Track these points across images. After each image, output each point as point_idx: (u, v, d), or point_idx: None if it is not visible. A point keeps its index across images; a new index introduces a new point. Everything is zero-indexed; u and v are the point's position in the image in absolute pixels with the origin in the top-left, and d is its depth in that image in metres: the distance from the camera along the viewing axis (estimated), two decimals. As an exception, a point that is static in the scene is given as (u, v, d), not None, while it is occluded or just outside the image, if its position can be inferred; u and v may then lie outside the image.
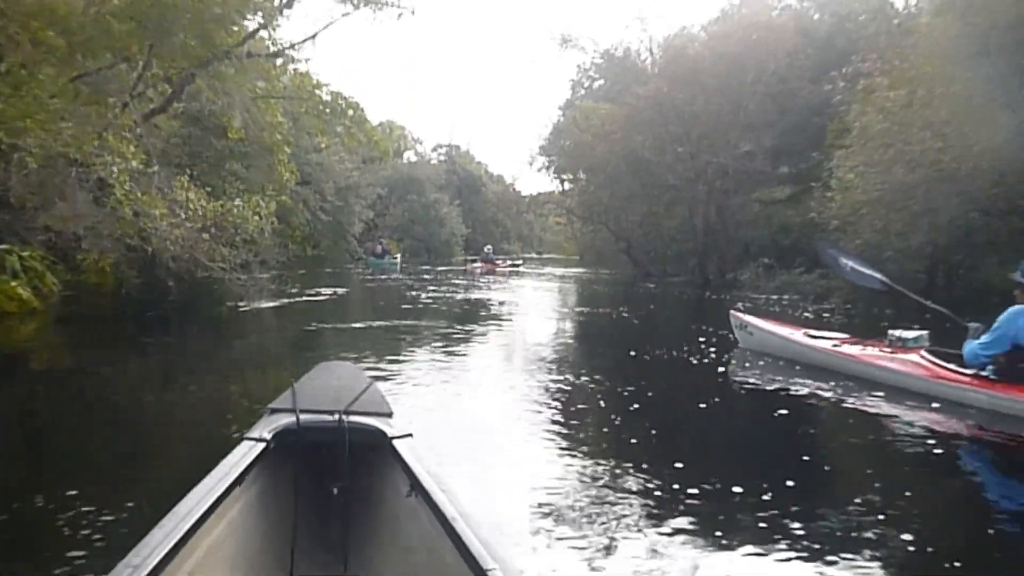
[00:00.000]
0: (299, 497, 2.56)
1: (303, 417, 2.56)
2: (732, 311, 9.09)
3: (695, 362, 8.28)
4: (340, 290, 19.90)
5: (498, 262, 33.14)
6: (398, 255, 39.06)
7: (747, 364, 8.03)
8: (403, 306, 15.16)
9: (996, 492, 4.51)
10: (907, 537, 3.41)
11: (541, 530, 3.39)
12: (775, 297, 18.10)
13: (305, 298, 15.68)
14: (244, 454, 2.33)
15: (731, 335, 9.11)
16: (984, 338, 5.74)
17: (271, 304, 13.21)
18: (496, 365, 8.47)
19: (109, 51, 10.21)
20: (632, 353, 8.99)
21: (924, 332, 6.92)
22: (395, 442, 2.51)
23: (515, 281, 25.85)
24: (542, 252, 76.88)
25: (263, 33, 15.12)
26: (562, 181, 45.60)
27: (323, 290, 18.54)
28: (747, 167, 22.76)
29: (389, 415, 2.74)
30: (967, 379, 5.85)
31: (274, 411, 2.67)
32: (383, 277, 25.77)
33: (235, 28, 12.49)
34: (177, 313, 12.00)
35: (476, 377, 7.55)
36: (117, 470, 4.39)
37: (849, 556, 3.17)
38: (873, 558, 3.18)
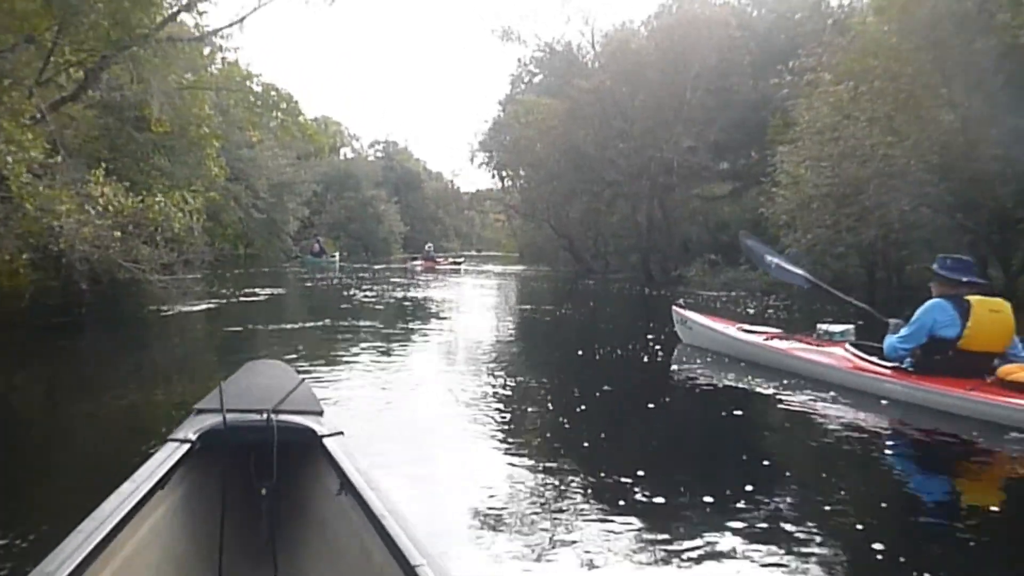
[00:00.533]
0: (227, 498, 2.47)
1: (230, 417, 2.49)
2: (674, 307, 9.19)
3: (638, 359, 8.30)
4: (274, 290, 19.16)
5: (439, 260, 33.30)
6: (336, 253, 38.60)
7: (686, 360, 8.04)
8: (340, 306, 14.71)
9: (912, 484, 4.54)
10: (828, 530, 3.42)
11: (474, 529, 3.37)
12: (721, 294, 17.98)
13: (236, 299, 14.84)
14: (168, 455, 2.26)
15: (674, 331, 9.14)
16: (903, 331, 5.84)
17: (198, 307, 12.41)
18: (435, 364, 8.30)
19: (11, 31, 9.32)
20: (577, 352, 8.95)
21: (850, 327, 7.09)
22: (325, 440, 2.46)
23: (456, 279, 25.66)
24: (481, 249, 76.68)
25: (187, 17, 14.21)
26: (502, 178, 45.28)
27: (256, 290, 17.76)
28: (690, 162, 22.61)
29: (320, 413, 2.68)
30: (886, 371, 5.97)
31: (200, 411, 2.59)
32: (320, 276, 25.08)
33: (153, 9, 11.57)
34: (92, 318, 11.15)
35: (414, 377, 7.39)
36: (25, 484, 4.09)
37: (770, 552, 3.13)
38: (793, 553, 3.13)
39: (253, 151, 36.07)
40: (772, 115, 22.14)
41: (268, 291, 18.12)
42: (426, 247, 36.04)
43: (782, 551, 3.12)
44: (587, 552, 3.09)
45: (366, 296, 17.09)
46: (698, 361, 7.89)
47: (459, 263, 34.62)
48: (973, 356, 5.55)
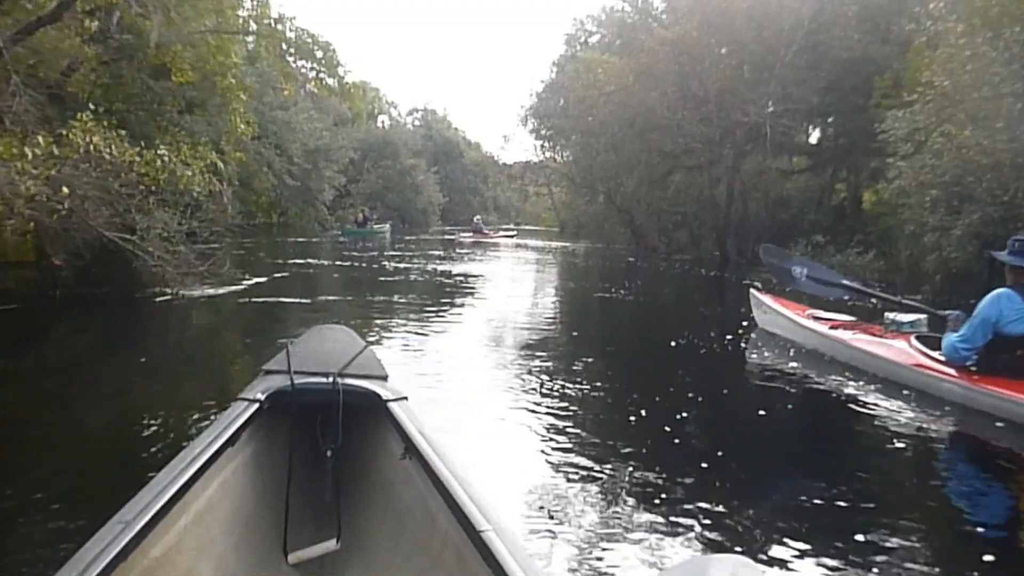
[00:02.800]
0: (293, 458, 2.46)
1: (297, 378, 2.50)
2: (751, 289, 8.88)
3: (709, 345, 8.07)
4: (314, 263, 17.05)
5: (489, 232, 33.94)
6: (387, 224, 37.47)
7: (757, 348, 7.78)
8: (392, 279, 13.95)
9: (953, 499, 3.96)
10: (869, 539, 3.12)
11: (535, 498, 3.37)
12: None
13: (266, 278, 12.35)
14: (238, 414, 2.30)
15: (751, 316, 8.82)
16: (962, 330, 5.22)
17: (212, 292, 9.68)
18: (495, 338, 8.19)
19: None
20: (644, 334, 9.07)
21: (922, 316, 6.46)
22: (390, 405, 2.49)
23: (507, 253, 24.95)
24: (520, 223, 74.62)
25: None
26: (551, 148, 42.98)
27: (292, 266, 15.53)
28: (784, 126, 19.59)
29: (384, 378, 2.70)
30: (947, 369, 5.39)
31: (268, 372, 2.61)
32: (368, 247, 24.05)
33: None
34: (67, 303, 8.47)
35: (475, 348, 7.36)
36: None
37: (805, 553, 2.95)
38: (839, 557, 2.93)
39: (287, 114, 33.79)
40: (880, 76, 19.31)
41: (306, 268, 15.82)
42: (475, 219, 36.93)
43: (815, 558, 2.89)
44: (647, 525, 3.09)
45: (418, 268, 16.51)
46: (767, 350, 7.51)
47: (510, 235, 35.64)
48: None
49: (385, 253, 21.58)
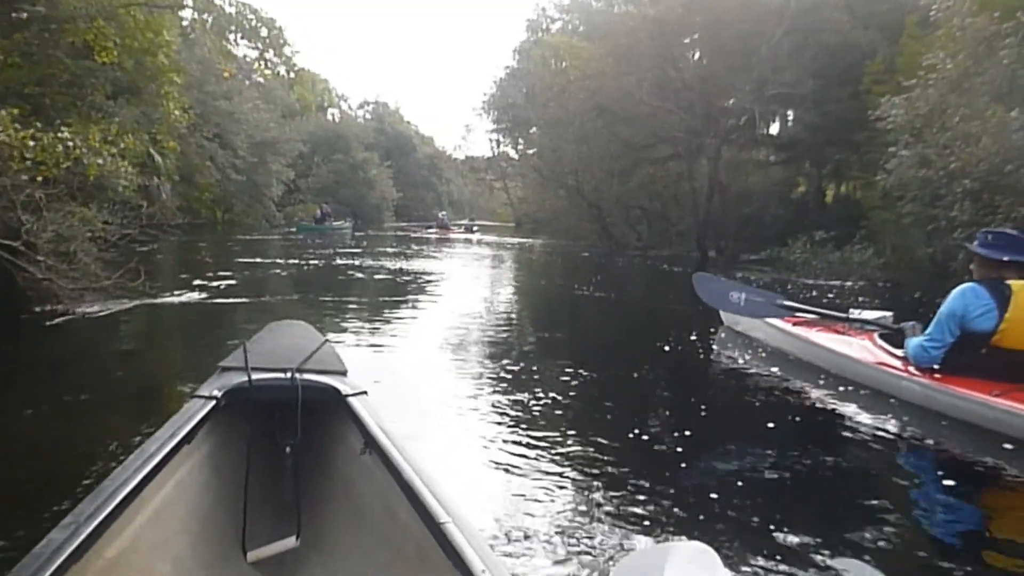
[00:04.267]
0: (251, 456, 2.40)
1: (255, 375, 2.44)
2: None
3: (679, 342, 7.65)
4: (265, 262, 15.17)
5: (452, 227, 34.95)
6: (347, 220, 36.05)
7: (726, 343, 7.41)
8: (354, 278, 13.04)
9: (916, 504, 3.68)
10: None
11: (496, 485, 3.42)
12: (830, 283, 14.11)
13: (208, 282, 10.52)
14: (194, 411, 2.24)
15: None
16: (928, 329, 4.81)
17: (130, 305, 7.64)
18: (461, 335, 7.86)
19: None
20: (609, 331, 9.11)
21: (887, 314, 6.15)
22: (349, 400, 2.44)
23: (473, 250, 24.43)
24: (474, 219, 73.98)
25: None
26: (502, 143, 42.03)
27: (240, 266, 13.70)
28: (774, 115, 18.25)
29: (343, 373, 2.64)
30: (907, 369, 5.00)
31: (224, 369, 2.54)
32: (325, 244, 22.78)
33: None
34: None
35: (438, 344, 7.20)
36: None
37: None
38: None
39: (231, 102, 31.67)
40: (870, 60, 18.15)
41: (257, 269, 13.88)
42: (441, 215, 37.81)
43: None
44: (602, 527, 3.03)
45: (380, 266, 15.97)
46: (732, 348, 7.13)
47: (473, 230, 35.92)
48: (1012, 355, 4.46)
49: (343, 251, 20.64)
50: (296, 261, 16.44)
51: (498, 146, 62.70)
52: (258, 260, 16.29)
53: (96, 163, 7.09)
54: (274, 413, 2.48)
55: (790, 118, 20.03)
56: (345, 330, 7.41)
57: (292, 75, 35.69)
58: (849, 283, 14.27)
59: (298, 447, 2.46)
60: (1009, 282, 4.55)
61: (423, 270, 15.80)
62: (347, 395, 2.47)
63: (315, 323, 3.47)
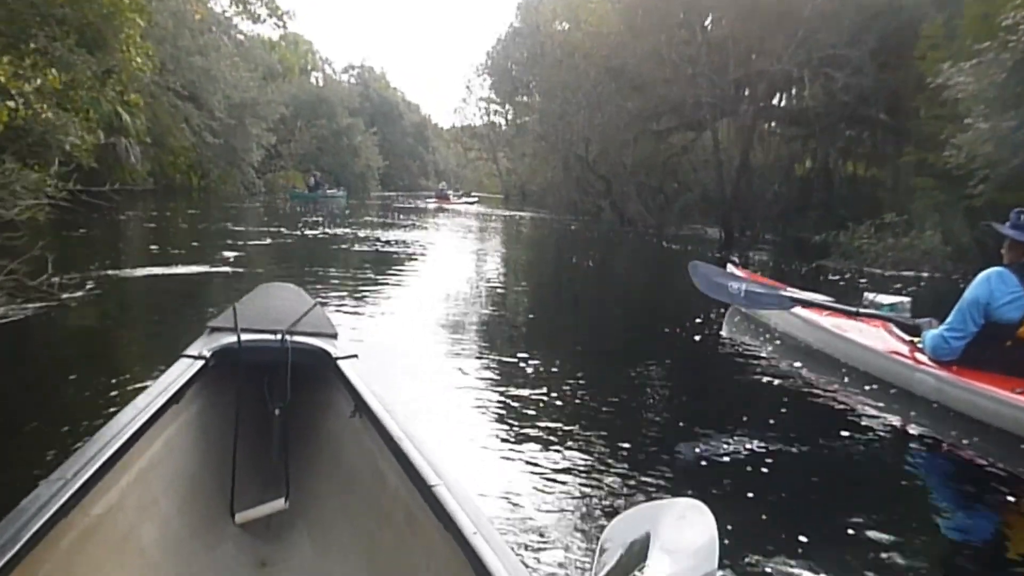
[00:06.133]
0: (240, 417, 2.36)
1: (244, 336, 2.42)
2: (728, 265, 7.91)
3: (689, 324, 7.15)
4: (247, 230, 13.50)
5: (451, 197, 36.59)
6: (342, 189, 36.19)
7: (734, 326, 7.02)
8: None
9: (926, 504, 3.46)
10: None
11: (487, 449, 3.41)
12: (906, 274, 12.47)
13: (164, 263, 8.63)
14: (182, 371, 2.22)
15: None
16: (949, 318, 4.40)
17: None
18: (464, 308, 7.68)
19: None
20: (611, 308, 8.93)
21: (904, 299, 5.73)
22: (339, 362, 2.42)
23: (474, 221, 24.12)
24: (459, 189, 72.77)
25: None
26: (491, 112, 40.95)
27: (214, 237, 12.11)
28: (827, 78, 16.24)
29: (334, 336, 2.61)
30: (921, 359, 4.59)
31: (214, 330, 2.52)
32: (319, 213, 22.24)
33: None
34: None
35: (437, 316, 6.97)
36: None
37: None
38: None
39: (207, 59, 29.32)
40: (924, 21, 16.26)
41: (241, 241, 12.03)
42: (441, 185, 40.09)
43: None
44: (594, 489, 3.04)
45: (375, 237, 15.14)
46: (739, 331, 6.77)
47: (472, 201, 37.12)
48: None
49: (338, 219, 19.96)
50: (288, 231, 15.45)
51: (487, 115, 60.85)
52: (243, 229, 15.26)
53: (7, 107, 5.08)
54: (263, 375, 2.42)
55: (837, 84, 17.89)
56: (338, 296, 7.27)
57: (280, 22, 33.48)
58: (925, 274, 12.61)
59: (287, 409, 2.41)
60: None
61: (422, 240, 15.38)
62: (337, 358, 2.42)
63: (309, 290, 3.20)
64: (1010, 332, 4.16)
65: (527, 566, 2.01)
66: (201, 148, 30.23)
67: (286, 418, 2.42)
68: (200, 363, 2.27)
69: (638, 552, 1.27)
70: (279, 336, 2.43)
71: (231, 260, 9.76)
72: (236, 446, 2.32)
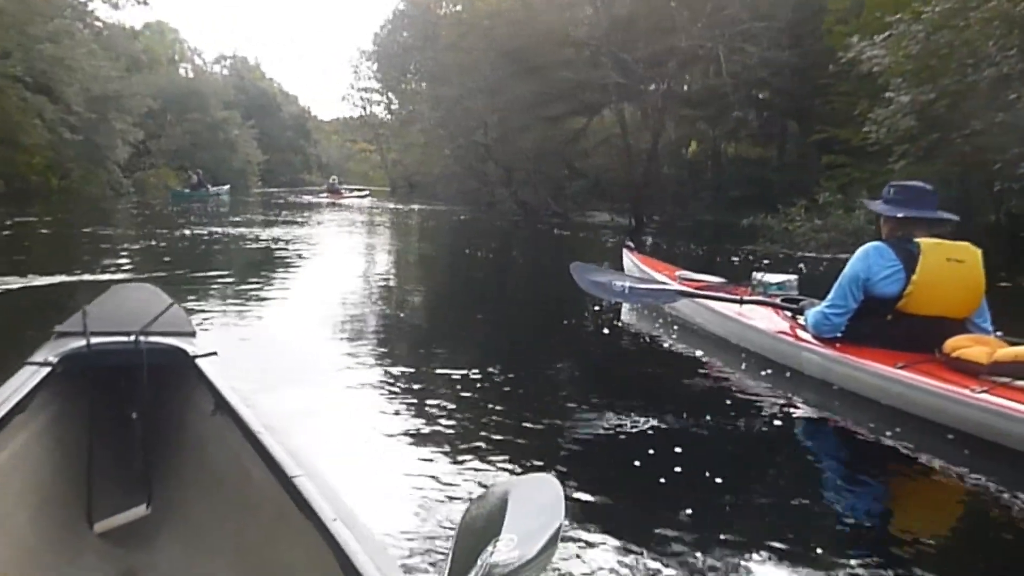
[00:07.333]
0: (94, 424, 2.31)
1: (95, 340, 2.31)
2: (625, 250, 7.77)
3: (584, 313, 7.13)
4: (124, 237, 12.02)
5: (344, 192, 34.70)
6: (226, 186, 34.35)
7: (629, 311, 7.01)
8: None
9: (813, 485, 3.31)
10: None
11: (356, 441, 3.42)
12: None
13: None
14: (26, 379, 2.10)
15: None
16: (830, 295, 4.38)
17: None
18: (341, 306, 7.30)
19: None
20: (509, 297, 9.15)
21: (792, 278, 5.70)
22: (198, 361, 2.37)
23: (365, 217, 23.10)
24: (345, 183, 71.55)
25: None
26: (373, 103, 39.96)
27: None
28: (743, 55, 15.68)
29: (192, 335, 2.56)
30: (806, 337, 4.58)
31: (61, 335, 2.39)
32: (201, 212, 21.30)
33: None
34: None
35: (318, 313, 6.78)
36: None
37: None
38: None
39: (60, 47, 26.60)
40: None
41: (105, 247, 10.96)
42: (331, 179, 38.20)
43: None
44: (455, 473, 3.04)
45: (257, 235, 14.47)
46: (634, 316, 6.86)
47: (364, 195, 35.90)
48: (920, 322, 4.09)
49: (218, 219, 18.82)
50: (163, 232, 14.64)
51: (370, 105, 59.35)
52: (110, 233, 14.33)
53: None
54: (118, 378, 2.36)
55: (753, 59, 17.39)
56: (216, 298, 7.11)
57: (142, 2, 31.25)
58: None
59: (145, 412, 2.35)
60: (918, 240, 4.13)
61: (309, 237, 14.96)
62: (196, 356, 2.38)
63: (183, 293, 3.45)
64: (890, 306, 4.19)
65: (390, 548, 2.12)
66: (59, 146, 27.50)
67: (145, 422, 2.36)
68: (46, 370, 2.18)
69: (493, 527, 1.35)
70: (133, 337, 2.35)
71: (95, 266, 8.93)
72: (92, 453, 2.26)
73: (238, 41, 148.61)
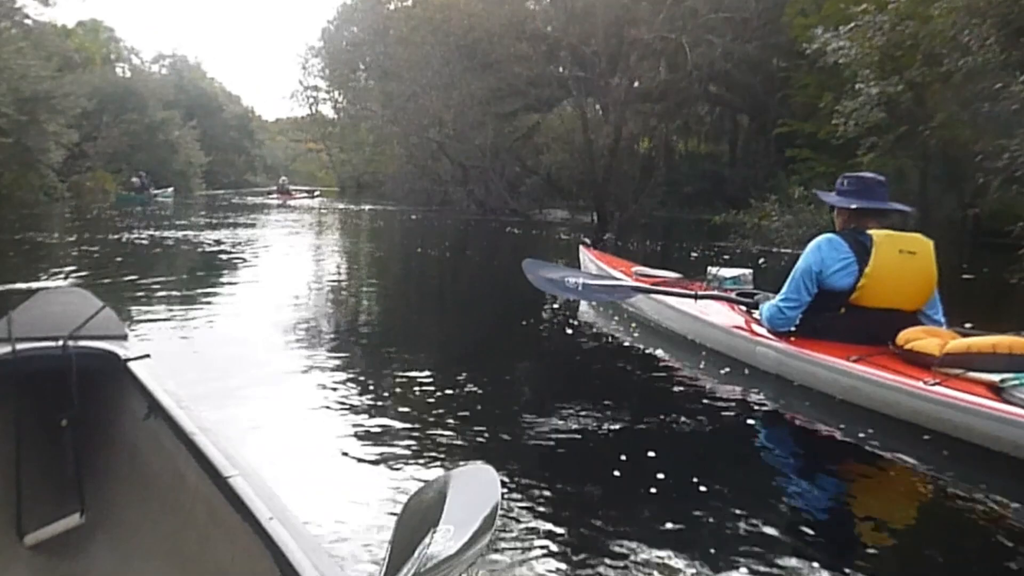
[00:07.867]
0: (21, 432, 2.22)
1: (20, 346, 2.25)
2: (581, 247, 7.90)
3: (539, 309, 7.10)
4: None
5: (294, 193, 34.77)
6: (170, 189, 34.43)
7: (585, 307, 7.02)
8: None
9: (768, 483, 3.28)
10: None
11: (292, 440, 3.38)
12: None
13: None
14: None
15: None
16: (784, 289, 4.37)
17: None
18: (286, 311, 6.92)
19: None
20: (462, 300, 9.18)
21: (746, 271, 5.75)
22: (130, 364, 2.35)
23: (315, 217, 22.89)
24: (286, 182, 70.57)
25: None
26: (318, 101, 39.37)
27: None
28: (708, 47, 15.31)
29: (124, 338, 2.53)
30: (760, 332, 4.58)
31: None
32: (145, 215, 20.87)
33: None
34: None
35: (260, 318, 6.54)
36: None
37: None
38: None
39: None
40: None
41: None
42: (281, 180, 37.86)
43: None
44: (392, 468, 3.02)
45: (200, 238, 14.19)
46: (589, 312, 6.82)
47: (314, 195, 36.03)
48: (873, 314, 4.12)
49: (164, 222, 18.48)
50: (102, 237, 13.91)
51: (316, 104, 58.24)
52: (43, 240, 13.41)
53: None
54: (46, 385, 2.30)
55: (717, 51, 17.03)
56: (145, 302, 6.96)
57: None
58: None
59: (76, 419, 2.30)
60: (870, 232, 4.14)
61: (257, 238, 14.71)
62: (127, 359, 2.35)
63: (121, 298, 3.46)
64: (843, 299, 4.20)
65: (328, 545, 2.26)
66: (-15, 149, 26.07)
67: (76, 428, 2.30)
68: None
69: (431, 518, 1.34)
70: (61, 342, 2.30)
71: (25, 274, 8.69)
72: (20, 463, 2.19)
73: (178, 40, 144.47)
